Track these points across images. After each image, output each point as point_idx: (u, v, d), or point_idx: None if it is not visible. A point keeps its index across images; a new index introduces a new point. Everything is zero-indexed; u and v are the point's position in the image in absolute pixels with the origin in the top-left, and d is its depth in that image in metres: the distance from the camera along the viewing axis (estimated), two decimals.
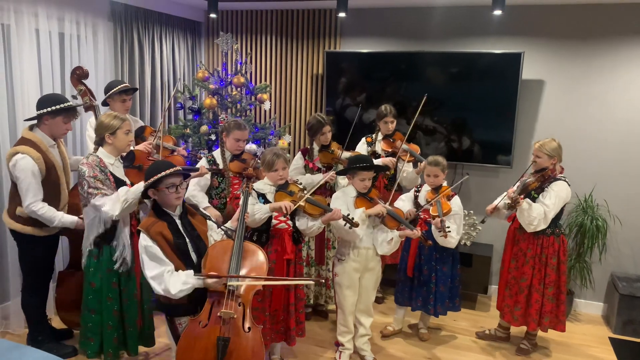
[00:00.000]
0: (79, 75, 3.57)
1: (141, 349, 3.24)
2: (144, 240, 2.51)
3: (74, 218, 3.21)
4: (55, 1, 3.80)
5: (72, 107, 3.23)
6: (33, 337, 3.44)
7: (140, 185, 2.83)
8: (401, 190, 4.30)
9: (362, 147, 4.31)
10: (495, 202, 3.67)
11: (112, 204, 2.81)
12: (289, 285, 3.14)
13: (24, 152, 3.08)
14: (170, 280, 2.45)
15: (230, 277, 2.51)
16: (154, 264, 2.48)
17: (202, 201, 3.53)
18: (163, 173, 2.53)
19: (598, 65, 4.33)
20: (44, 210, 3.13)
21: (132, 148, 3.33)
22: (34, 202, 3.10)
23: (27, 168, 3.06)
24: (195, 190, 3.54)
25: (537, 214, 3.43)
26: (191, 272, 2.50)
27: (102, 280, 2.95)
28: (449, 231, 3.40)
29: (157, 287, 2.48)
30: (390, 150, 4.21)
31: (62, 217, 3.18)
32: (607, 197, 4.39)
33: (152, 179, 2.53)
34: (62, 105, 3.17)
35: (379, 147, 4.26)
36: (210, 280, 2.48)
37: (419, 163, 4.04)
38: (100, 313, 2.96)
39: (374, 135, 4.33)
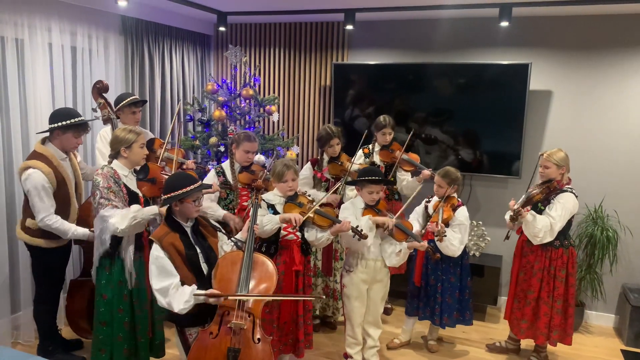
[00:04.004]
0: (99, 89, 3.65)
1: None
2: (155, 250, 2.54)
3: (87, 230, 3.25)
4: (68, 16, 3.87)
5: (82, 122, 3.27)
6: (43, 348, 3.46)
7: (153, 209, 2.85)
8: (401, 199, 4.30)
9: (359, 159, 4.25)
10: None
11: (120, 217, 2.81)
12: (296, 299, 3.15)
13: (35, 166, 3.12)
14: (175, 296, 2.46)
15: (231, 296, 2.52)
16: (161, 276, 2.50)
17: (218, 210, 3.55)
18: (193, 187, 2.59)
19: (606, 75, 4.32)
20: (58, 223, 3.16)
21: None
22: (48, 216, 3.13)
23: (38, 182, 3.10)
24: (208, 201, 3.56)
25: (542, 226, 3.41)
26: (194, 288, 2.49)
27: (113, 292, 2.97)
28: (445, 236, 3.39)
29: (162, 300, 2.50)
30: (389, 161, 4.20)
31: (76, 230, 3.22)
32: (617, 208, 4.36)
33: (183, 191, 2.56)
34: (72, 121, 3.20)
35: (377, 158, 4.25)
36: (212, 299, 2.50)
37: (421, 171, 4.04)
38: (111, 325, 2.97)
39: (370, 146, 4.30)
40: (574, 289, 3.57)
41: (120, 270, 2.98)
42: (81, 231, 3.24)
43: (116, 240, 2.95)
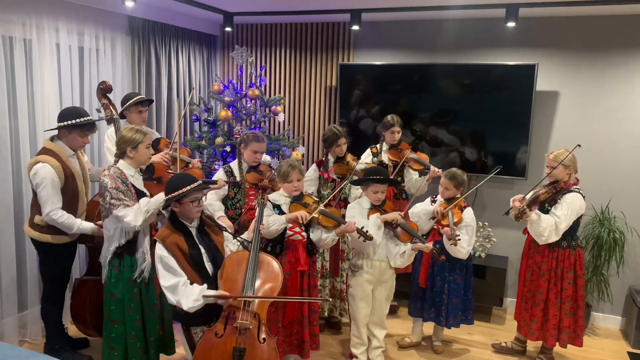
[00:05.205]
0: (102, 90, 3.67)
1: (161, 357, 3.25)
2: (159, 250, 2.55)
3: (92, 224, 3.28)
4: (76, 16, 3.90)
5: (88, 122, 3.28)
6: (50, 346, 3.48)
7: (161, 196, 2.86)
8: (408, 199, 4.30)
9: (367, 158, 4.29)
10: (522, 195, 3.49)
11: (134, 214, 2.85)
12: (302, 301, 3.15)
13: (44, 161, 3.15)
14: (184, 293, 2.48)
15: (240, 297, 2.54)
16: (169, 275, 2.52)
17: (218, 211, 3.56)
18: (189, 187, 2.56)
19: (612, 76, 4.30)
20: (64, 218, 3.18)
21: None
22: (54, 210, 3.16)
23: (47, 176, 3.13)
24: (212, 199, 3.57)
25: (546, 225, 3.40)
26: (204, 288, 2.50)
27: (124, 291, 2.97)
28: (459, 239, 3.38)
29: (171, 298, 2.52)
30: (397, 160, 4.21)
31: (81, 224, 3.25)
32: (624, 209, 4.34)
33: (178, 192, 2.55)
34: (76, 121, 3.22)
35: (386, 157, 4.26)
36: (220, 301, 2.52)
37: (430, 169, 4.04)
38: (123, 323, 2.98)
39: (378, 146, 4.32)
40: (582, 290, 3.55)
41: (129, 269, 2.99)
42: (86, 225, 3.26)
43: (134, 234, 2.99)
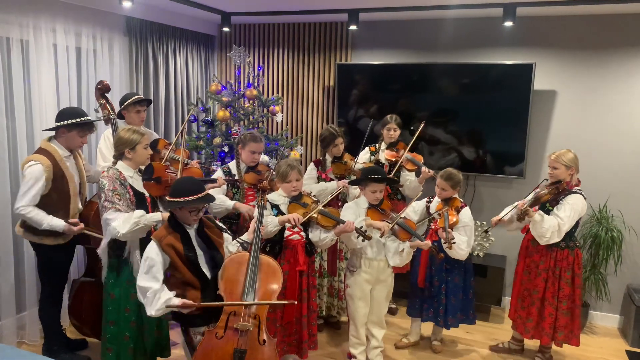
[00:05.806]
0: (100, 89, 3.66)
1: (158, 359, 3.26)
2: (150, 250, 2.55)
3: (63, 222, 3.19)
4: (73, 17, 3.89)
5: (87, 122, 3.28)
6: (48, 347, 3.48)
7: (156, 215, 2.86)
8: (404, 199, 4.30)
9: (365, 156, 4.30)
10: (501, 215, 3.61)
11: (122, 221, 2.79)
12: (301, 297, 3.15)
13: (37, 159, 3.16)
14: (151, 302, 2.48)
15: (201, 305, 2.52)
16: (147, 276, 2.51)
17: (226, 201, 3.56)
18: (190, 198, 2.54)
19: (610, 75, 4.31)
20: (33, 213, 3.13)
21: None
22: (25, 207, 3.12)
23: (34, 174, 3.12)
24: (219, 194, 3.54)
25: (549, 226, 3.40)
26: (170, 297, 2.48)
27: (121, 292, 2.97)
28: (454, 242, 3.37)
29: (140, 297, 2.54)
30: (393, 159, 4.21)
31: (51, 221, 3.17)
32: (621, 208, 4.35)
33: (180, 199, 2.54)
34: (76, 120, 3.22)
35: (383, 156, 4.27)
36: (185, 310, 2.51)
37: (422, 170, 4.04)
38: (118, 324, 2.98)
39: (377, 145, 4.33)
40: (580, 289, 3.56)
41: (129, 270, 2.99)
42: (57, 222, 3.18)
43: (119, 243, 2.95)
